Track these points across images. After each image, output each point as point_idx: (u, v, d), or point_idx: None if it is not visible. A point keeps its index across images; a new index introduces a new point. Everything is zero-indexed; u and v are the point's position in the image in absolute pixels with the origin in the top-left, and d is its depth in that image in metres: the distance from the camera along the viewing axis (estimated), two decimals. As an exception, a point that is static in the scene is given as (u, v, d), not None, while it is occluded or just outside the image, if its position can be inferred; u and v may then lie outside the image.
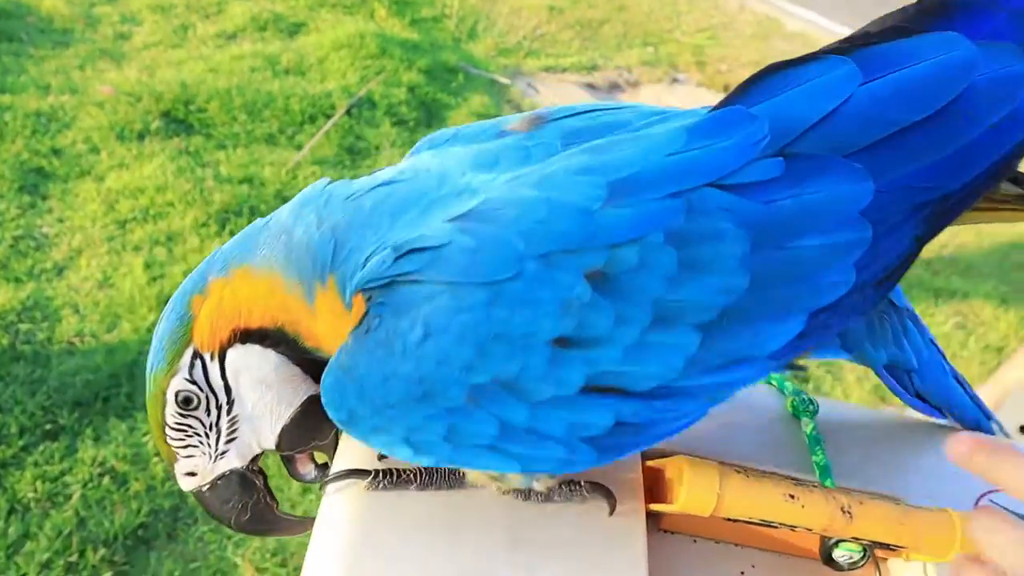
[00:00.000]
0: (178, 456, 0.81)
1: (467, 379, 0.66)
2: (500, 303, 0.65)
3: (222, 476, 0.82)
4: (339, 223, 0.74)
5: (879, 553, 0.87)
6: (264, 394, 0.81)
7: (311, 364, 0.81)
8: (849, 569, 0.87)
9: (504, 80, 5.38)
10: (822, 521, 0.80)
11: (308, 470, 0.88)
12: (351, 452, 0.84)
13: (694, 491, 0.77)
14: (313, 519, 0.86)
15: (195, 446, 0.81)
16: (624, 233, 0.64)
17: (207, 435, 0.81)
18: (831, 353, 0.81)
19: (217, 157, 3.77)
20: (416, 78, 4.80)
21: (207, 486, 0.83)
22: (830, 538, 0.85)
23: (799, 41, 6.68)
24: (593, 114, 0.79)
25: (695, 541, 0.92)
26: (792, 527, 0.80)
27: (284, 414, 0.82)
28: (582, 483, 0.80)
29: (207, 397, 0.79)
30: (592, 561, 0.78)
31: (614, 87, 6.00)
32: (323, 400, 0.73)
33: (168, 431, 0.80)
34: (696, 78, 6.17)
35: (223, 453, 0.82)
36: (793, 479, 0.83)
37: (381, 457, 0.82)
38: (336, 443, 0.87)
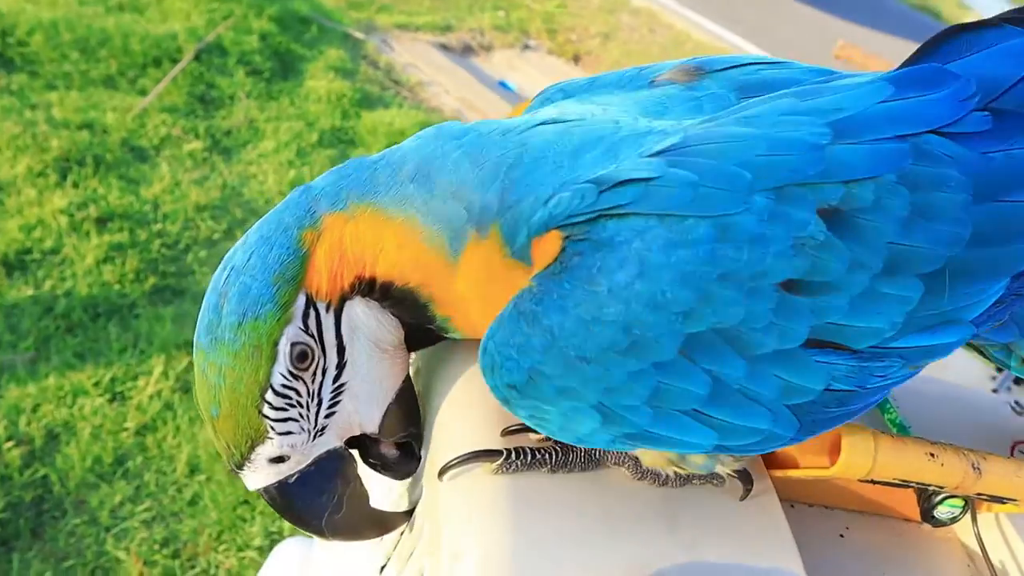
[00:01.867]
0: (271, 432, 0.64)
1: (683, 327, 0.57)
2: (728, 239, 0.57)
3: (318, 460, 0.67)
4: (503, 162, 0.63)
5: (979, 505, 0.86)
6: (379, 362, 0.67)
7: (414, 340, 0.70)
8: (949, 523, 0.86)
9: (359, 35, 5.11)
10: (957, 478, 0.77)
11: (393, 453, 0.73)
12: (453, 440, 0.71)
13: (853, 456, 0.72)
14: (407, 512, 0.73)
15: (295, 420, 0.65)
16: (860, 169, 0.59)
17: (308, 406, 0.65)
18: (1005, 334, 0.78)
19: (48, 98, 3.29)
20: (267, 26, 4.45)
21: (296, 476, 0.66)
22: (932, 495, 0.84)
23: (644, 16, 6.86)
24: (754, 67, 0.74)
25: (792, 506, 0.87)
26: (927, 486, 0.77)
27: (391, 390, 0.69)
28: None
29: (319, 356, 0.64)
30: (745, 537, 0.71)
31: (467, 49, 5.88)
32: (484, 362, 0.61)
33: (270, 397, 0.63)
34: (547, 45, 6.17)
35: (322, 430, 0.66)
36: (928, 440, 0.79)
37: (506, 432, 0.70)
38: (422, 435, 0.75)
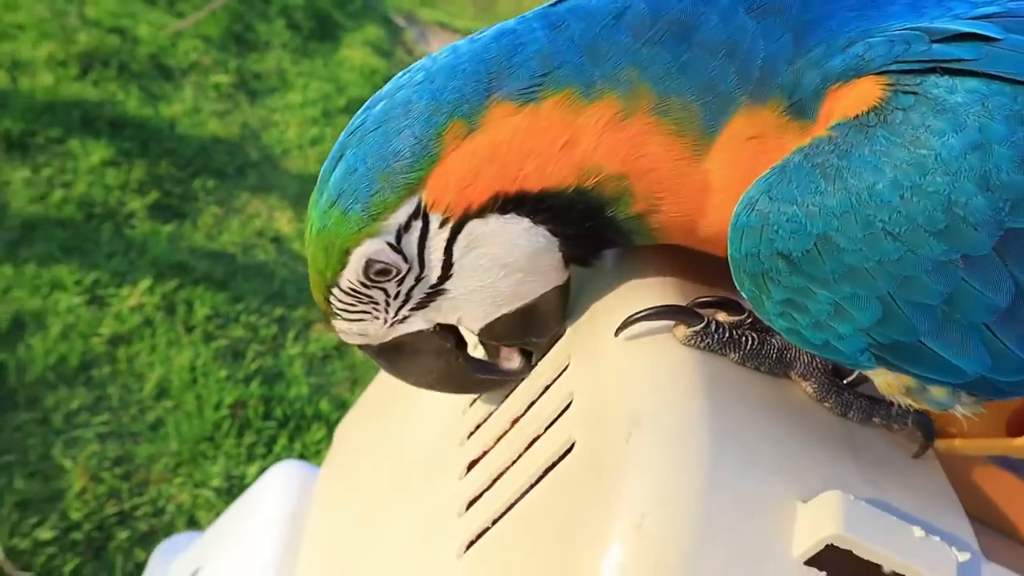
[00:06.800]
0: (337, 316, 0.56)
1: (1007, 218, 0.47)
2: None
3: (397, 339, 0.58)
4: (789, 4, 0.52)
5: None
6: (499, 280, 0.55)
7: (579, 247, 0.57)
8: None
9: (400, 22, 5.06)
10: None
11: (514, 362, 0.62)
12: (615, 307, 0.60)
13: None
14: (518, 372, 0.62)
15: (366, 313, 0.56)
16: None
17: (388, 304, 0.56)
18: None
19: (83, -5, 3.16)
20: (314, -13, 4.38)
21: (374, 348, 0.59)
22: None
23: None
24: None
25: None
26: None
27: (511, 304, 0.57)
28: (911, 412, 0.63)
29: (410, 269, 0.54)
30: (919, 494, 0.60)
31: (499, 64, 5.89)
32: (749, 220, 0.49)
33: (334, 292, 0.55)
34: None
35: (404, 319, 0.57)
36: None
37: (698, 304, 0.58)
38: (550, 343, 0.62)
